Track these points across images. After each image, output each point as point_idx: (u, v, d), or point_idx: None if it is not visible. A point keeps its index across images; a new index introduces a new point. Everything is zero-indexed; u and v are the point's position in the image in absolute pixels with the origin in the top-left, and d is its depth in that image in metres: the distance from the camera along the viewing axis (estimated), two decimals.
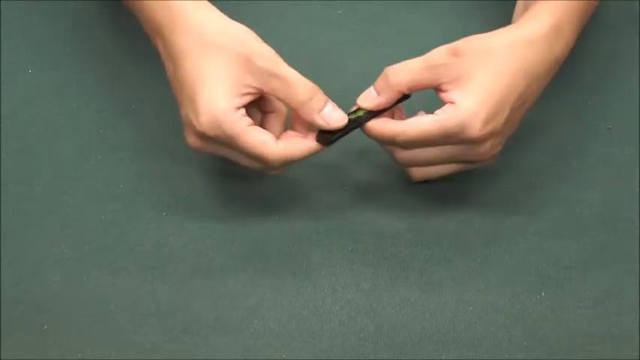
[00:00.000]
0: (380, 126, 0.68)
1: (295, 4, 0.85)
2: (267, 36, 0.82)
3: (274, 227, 0.73)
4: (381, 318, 0.69)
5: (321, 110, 0.67)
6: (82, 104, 0.79)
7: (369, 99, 0.68)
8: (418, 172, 0.71)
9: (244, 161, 0.68)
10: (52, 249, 0.71)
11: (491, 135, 0.66)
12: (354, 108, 0.69)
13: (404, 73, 0.67)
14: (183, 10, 0.67)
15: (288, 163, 0.68)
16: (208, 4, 0.69)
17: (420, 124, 0.66)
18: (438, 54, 0.66)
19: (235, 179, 0.75)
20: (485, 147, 0.67)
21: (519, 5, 0.75)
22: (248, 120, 0.66)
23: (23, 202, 0.74)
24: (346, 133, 0.68)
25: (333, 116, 0.67)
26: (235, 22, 0.68)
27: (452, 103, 0.65)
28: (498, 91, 0.65)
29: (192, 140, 0.68)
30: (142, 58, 0.80)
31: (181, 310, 0.69)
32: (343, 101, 0.80)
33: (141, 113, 0.77)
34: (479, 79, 0.65)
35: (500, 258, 0.72)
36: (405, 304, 0.70)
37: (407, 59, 0.67)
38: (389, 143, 0.68)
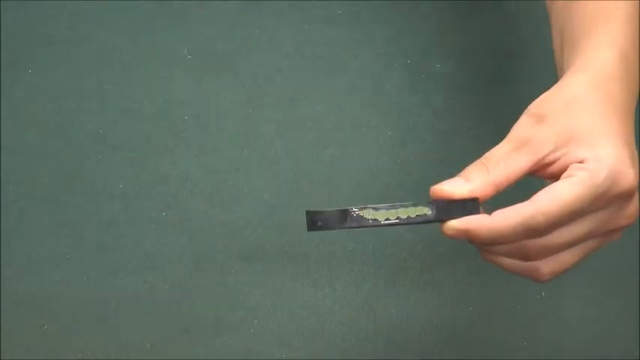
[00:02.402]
0: (499, 218, 0.50)
1: (295, 4, 0.85)
2: (267, 36, 0.82)
3: (274, 227, 0.73)
4: (381, 318, 0.69)
5: None
6: (82, 104, 0.79)
7: (459, 185, 0.52)
8: (548, 266, 0.53)
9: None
10: (52, 249, 0.71)
11: (637, 185, 0.52)
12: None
13: (500, 163, 0.52)
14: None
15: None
16: None
17: (561, 193, 0.49)
18: (521, 128, 0.52)
19: (235, 179, 0.75)
20: (636, 202, 0.52)
21: (557, 45, 0.62)
22: None
23: (23, 202, 0.74)
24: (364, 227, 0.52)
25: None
26: None
27: (580, 162, 0.50)
28: (619, 130, 0.52)
29: None
30: (141, 58, 0.80)
31: (181, 310, 0.69)
32: (343, 101, 0.80)
33: (141, 113, 0.77)
34: (591, 126, 0.51)
35: None
36: (405, 303, 0.70)
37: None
38: (510, 239, 0.51)
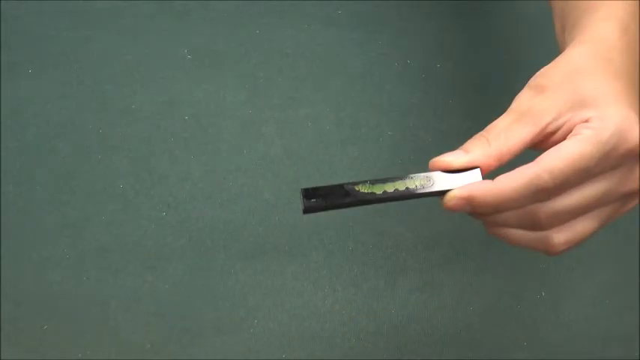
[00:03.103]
0: (503, 181, 0.48)
1: (295, 4, 0.85)
2: (267, 36, 0.82)
3: (274, 227, 0.73)
4: (381, 318, 0.69)
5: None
6: (82, 104, 0.79)
7: (459, 155, 0.50)
8: (561, 235, 0.50)
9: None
10: (52, 249, 0.71)
11: None
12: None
13: (501, 135, 0.50)
14: None
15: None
16: None
17: (567, 150, 0.48)
18: (522, 99, 0.51)
19: (234, 179, 0.75)
20: None
21: (558, 27, 0.61)
22: None
23: (23, 202, 0.74)
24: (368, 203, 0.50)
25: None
26: None
27: (585, 122, 0.49)
28: (623, 93, 0.50)
29: None
30: (141, 58, 0.80)
31: (181, 310, 0.69)
32: (343, 101, 0.80)
33: (141, 113, 0.77)
34: (595, 90, 0.50)
35: (500, 258, 0.72)
36: (405, 304, 0.70)
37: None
38: (517, 203, 0.49)
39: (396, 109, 0.79)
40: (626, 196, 0.51)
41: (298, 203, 0.74)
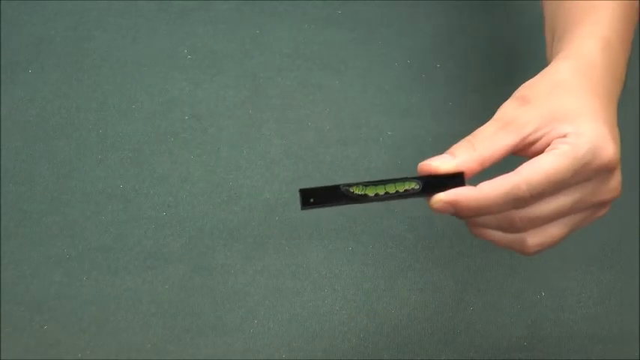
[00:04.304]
0: (485, 188, 0.52)
1: (295, 4, 0.85)
2: (267, 36, 0.83)
3: (274, 227, 0.73)
4: (381, 318, 0.69)
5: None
6: (82, 104, 0.79)
7: (446, 160, 0.54)
8: (535, 239, 0.55)
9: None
10: (52, 249, 0.71)
11: (619, 160, 0.55)
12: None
13: (485, 141, 0.54)
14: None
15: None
16: None
17: (544, 163, 0.52)
18: (507, 109, 0.55)
19: (234, 179, 0.75)
20: (618, 177, 0.55)
21: (548, 38, 0.64)
22: None
23: (23, 202, 0.74)
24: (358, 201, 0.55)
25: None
26: None
27: (563, 137, 0.53)
28: (600, 110, 0.55)
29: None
30: (141, 58, 0.80)
31: (181, 310, 0.69)
32: (343, 101, 0.80)
33: (141, 113, 0.77)
34: (574, 106, 0.54)
35: (500, 258, 0.72)
36: (405, 304, 0.70)
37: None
38: (496, 209, 0.53)
39: (396, 109, 0.79)
40: (597, 206, 0.55)
41: (298, 203, 0.74)
